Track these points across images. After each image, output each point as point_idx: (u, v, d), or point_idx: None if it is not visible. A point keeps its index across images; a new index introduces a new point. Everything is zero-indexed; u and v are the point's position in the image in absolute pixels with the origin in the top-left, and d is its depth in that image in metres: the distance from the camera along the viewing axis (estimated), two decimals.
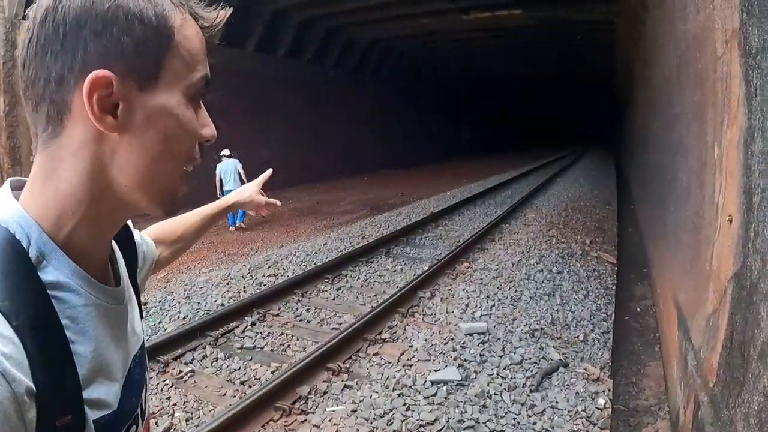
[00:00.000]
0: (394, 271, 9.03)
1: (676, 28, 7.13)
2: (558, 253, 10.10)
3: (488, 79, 42.34)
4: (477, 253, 10.14)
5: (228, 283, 8.33)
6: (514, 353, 5.82)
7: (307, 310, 7.17)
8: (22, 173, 12.76)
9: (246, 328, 6.49)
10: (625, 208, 16.38)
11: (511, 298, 7.63)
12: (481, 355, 5.74)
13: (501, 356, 5.75)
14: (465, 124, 43.42)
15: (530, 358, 5.72)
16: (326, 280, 8.31)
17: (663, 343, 6.57)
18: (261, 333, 6.39)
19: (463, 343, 6.02)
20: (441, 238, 11.58)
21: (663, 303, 7.02)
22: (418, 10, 20.05)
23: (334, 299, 7.66)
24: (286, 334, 6.37)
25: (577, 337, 6.46)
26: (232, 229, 13.56)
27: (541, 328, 6.55)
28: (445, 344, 6.00)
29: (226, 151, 12.85)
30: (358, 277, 8.60)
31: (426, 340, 6.13)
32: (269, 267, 9.15)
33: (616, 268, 9.64)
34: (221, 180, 12.70)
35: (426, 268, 8.88)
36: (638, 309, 8.30)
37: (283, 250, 10.81)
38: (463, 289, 7.97)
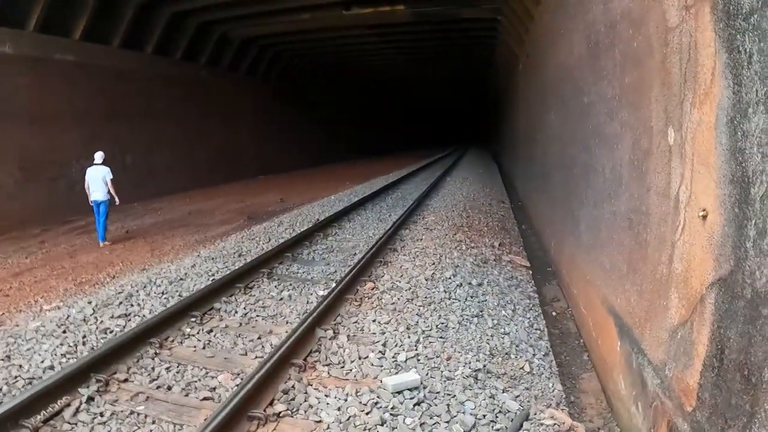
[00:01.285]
0: (281, 299, 7.49)
1: (586, 14, 6.82)
2: (472, 261, 9.19)
3: (371, 80, 41.36)
4: (380, 269, 8.83)
5: (64, 332, 6.44)
6: (464, 413, 4.53)
7: (167, 368, 5.47)
8: None
9: (79, 407, 4.70)
10: (515, 205, 16.12)
11: (437, 326, 6.43)
12: (421, 425, 4.37)
13: (448, 422, 4.43)
14: (343, 125, 42.24)
15: (485, 416, 4.50)
16: (193, 320, 6.61)
17: (594, 352, 6.09)
18: (100, 415, 4.63)
19: (393, 408, 4.61)
20: (333, 250, 10.17)
21: (585, 307, 6.66)
22: (296, 4, 19.22)
23: (204, 348, 5.99)
24: (137, 415, 4.63)
25: (522, 368, 5.54)
26: (104, 244, 11.97)
27: (483, 366, 5.42)
28: (368, 413, 4.55)
29: (98, 156, 11.61)
30: (236, 312, 6.99)
31: (339, 408, 4.63)
32: (121, 303, 7.27)
33: (530, 272, 9.02)
34: (89, 187, 11.52)
35: (322, 294, 7.47)
36: (553, 313, 7.76)
37: (142, 276, 8.94)
38: (374, 320, 6.62)
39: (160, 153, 20.99)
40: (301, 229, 11.84)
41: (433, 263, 8.96)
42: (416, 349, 5.76)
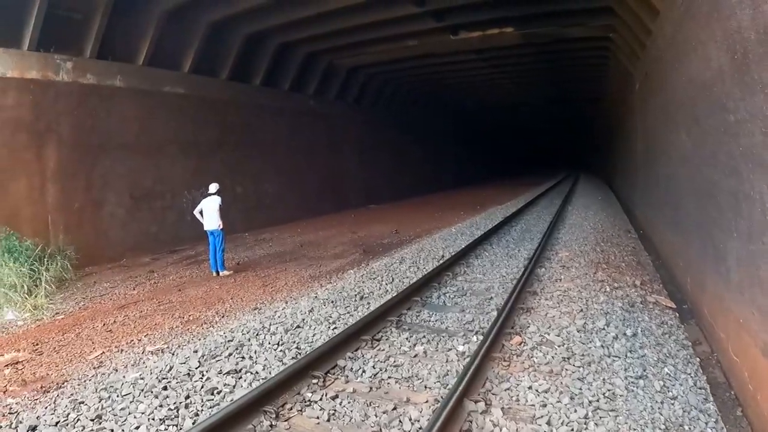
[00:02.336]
0: (415, 356, 6.19)
1: (725, 22, 5.84)
2: (621, 306, 7.82)
3: (475, 105, 40.02)
4: (523, 317, 7.42)
5: (165, 388, 5.44)
6: None
7: None
8: None
9: None
10: (638, 235, 14.83)
11: (604, 395, 5.10)
12: None
13: None
14: (449, 153, 41.11)
15: None
16: (315, 381, 5.44)
17: (750, 407, 5.08)
18: None
19: None
20: (465, 293, 8.78)
21: (737, 354, 5.67)
22: (403, 31, 18.56)
23: (329, 420, 4.79)
24: None
25: None
26: (223, 273, 11.92)
27: None
28: None
29: (213, 187, 11.74)
30: (363, 371, 5.75)
31: None
32: (230, 355, 6.22)
33: (677, 314, 7.86)
34: (201, 216, 11.70)
35: (462, 350, 6.17)
36: (698, 359, 6.39)
37: (255, 318, 7.96)
38: (529, 387, 5.28)
39: (268, 183, 20.78)
40: (427, 268, 10.63)
41: (581, 309, 7.56)
42: (587, 429, 4.50)
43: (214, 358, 6.13)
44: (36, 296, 10.08)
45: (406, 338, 6.66)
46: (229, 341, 6.65)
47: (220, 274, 11.79)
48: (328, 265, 12.34)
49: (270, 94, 20.86)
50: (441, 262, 10.94)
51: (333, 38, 19.54)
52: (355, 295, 8.83)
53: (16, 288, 10.03)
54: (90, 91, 14.13)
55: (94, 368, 6.75)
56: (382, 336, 6.77)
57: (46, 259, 11.72)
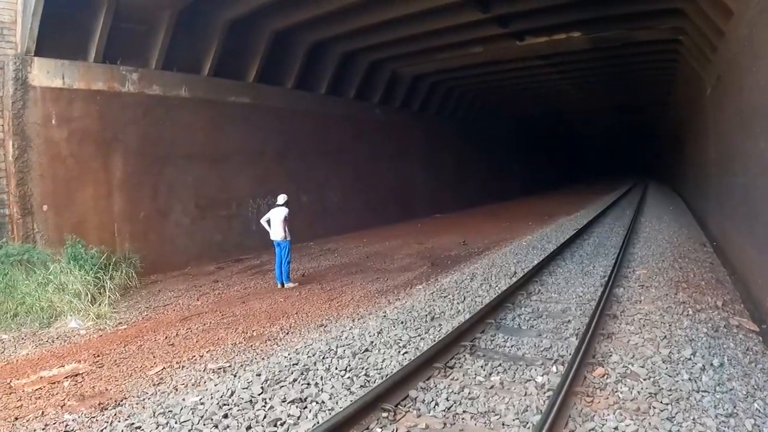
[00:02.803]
0: (491, 387, 5.63)
1: None
2: (706, 332, 7.10)
3: (539, 113, 38.94)
4: (604, 344, 6.76)
5: (226, 416, 5.08)
6: None
7: None
8: (34, 224, 11.94)
9: None
10: (714, 247, 14.00)
11: None
12: None
13: None
14: (513, 161, 40.19)
15: None
16: (385, 415, 4.97)
17: None
18: None
19: None
20: (540, 315, 8.16)
21: None
22: (468, 38, 18.31)
23: None
24: None
25: None
26: (288, 285, 11.70)
27: None
28: None
29: (281, 198, 11.71)
30: (436, 404, 5.23)
31: None
32: (295, 381, 5.80)
33: (760, 338, 7.31)
34: (268, 225, 11.63)
35: (540, 381, 5.63)
36: None
37: (320, 338, 7.58)
38: (615, 428, 4.69)
39: (333, 191, 20.68)
40: (499, 285, 10.03)
41: (665, 336, 6.85)
42: None
43: (278, 383, 5.74)
44: (100, 304, 10.02)
45: (481, 366, 6.11)
46: (294, 364, 6.25)
47: (285, 286, 11.54)
48: (395, 279, 11.97)
49: (335, 102, 20.75)
50: (514, 279, 10.32)
51: (397, 46, 19.32)
52: (426, 315, 8.29)
53: (81, 296, 10.01)
54: (156, 101, 14.26)
55: (154, 385, 6.54)
56: (455, 363, 6.24)
57: (111, 267, 11.78)
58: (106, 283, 10.79)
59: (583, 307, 8.41)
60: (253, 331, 8.63)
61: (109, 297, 10.54)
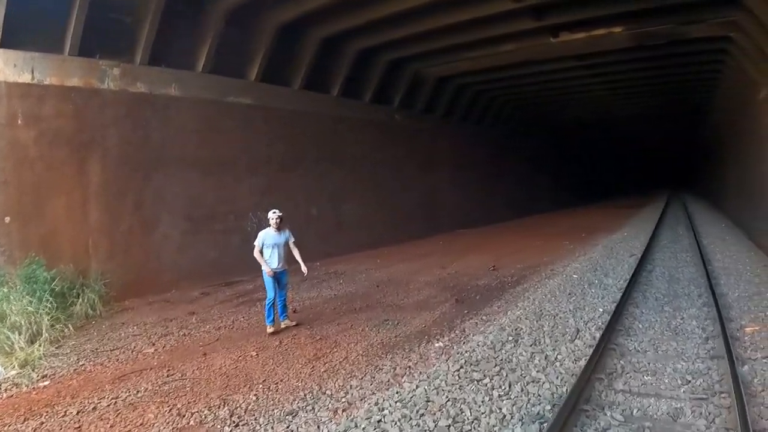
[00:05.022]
0: None
1: None
2: None
3: (571, 120, 36.62)
4: None
5: None
6: None
7: None
8: None
9: None
10: None
11: None
12: None
13: None
14: (542, 171, 37.94)
15: None
16: None
17: None
18: None
19: None
20: (639, 413, 5.31)
21: None
22: (497, 33, 16.63)
23: None
24: None
25: None
26: (285, 324, 9.41)
27: None
28: None
29: (273, 215, 9.18)
30: None
31: None
32: None
33: None
34: (261, 250, 9.08)
35: None
36: None
37: None
38: None
39: (348, 204, 18.89)
40: (559, 357, 6.90)
41: None
42: None
43: None
44: (40, 344, 8.15)
45: None
46: None
47: (283, 324, 9.33)
48: (408, 323, 9.46)
49: (350, 105, 18.98)
50: (579, 343, 7.36)
51: (419, 42, 17.54)
52: (447, 423, 5.18)
53: (21, 330, 8.19)
54: (141, 100, 12.66)
55: None
56: None
57: (76, 291, 10.08)
58: (48, 315, 8.80)
59: (701, 405, 5.36)
60: (192, 413, 6.07)
61: (55, 334, 8.64)
